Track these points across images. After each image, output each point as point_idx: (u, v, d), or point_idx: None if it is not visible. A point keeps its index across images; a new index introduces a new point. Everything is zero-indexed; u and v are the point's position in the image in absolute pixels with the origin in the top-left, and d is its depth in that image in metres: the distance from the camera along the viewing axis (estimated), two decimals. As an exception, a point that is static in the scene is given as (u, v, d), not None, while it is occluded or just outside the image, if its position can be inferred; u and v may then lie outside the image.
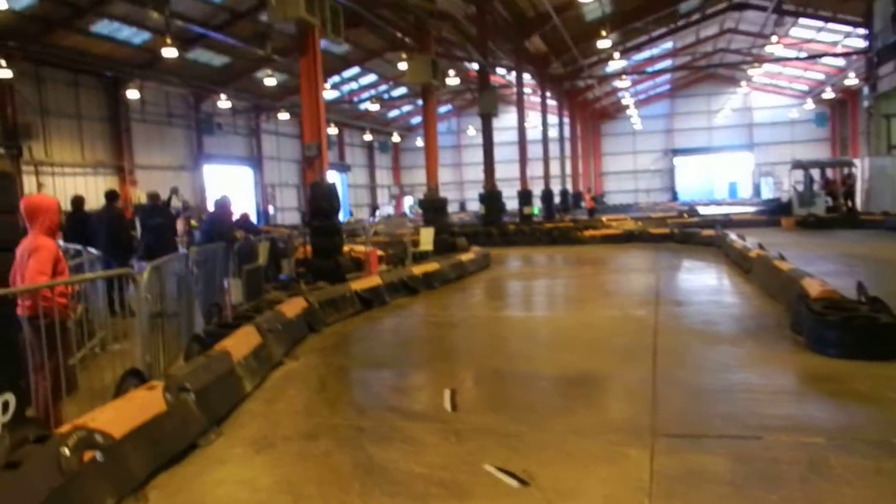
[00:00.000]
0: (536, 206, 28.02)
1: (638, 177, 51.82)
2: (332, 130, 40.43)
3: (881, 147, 21.56)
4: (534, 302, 10.71)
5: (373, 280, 10.08)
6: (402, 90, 38.24)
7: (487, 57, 20.92)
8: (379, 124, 46.48)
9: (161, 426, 4.03)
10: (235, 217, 11.78)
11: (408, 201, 49.36)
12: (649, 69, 39.20)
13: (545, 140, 31.16)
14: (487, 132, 21.31)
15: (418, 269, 11.30)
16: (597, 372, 5.66)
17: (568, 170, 36.88)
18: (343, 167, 42.76)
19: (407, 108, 45.78)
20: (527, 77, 29.91)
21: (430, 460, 3.88)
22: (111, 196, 10.27)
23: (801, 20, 29.24)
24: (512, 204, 26.64)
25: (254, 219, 28.54)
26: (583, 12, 25.63)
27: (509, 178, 29.17)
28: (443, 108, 47.86)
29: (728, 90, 47.63)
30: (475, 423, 4.55)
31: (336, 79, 33.25)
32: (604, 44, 27.45)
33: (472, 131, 45.68)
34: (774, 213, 22.10)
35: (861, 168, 21.56)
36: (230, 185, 31.80)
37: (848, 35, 29.40)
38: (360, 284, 9.68)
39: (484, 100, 20.96)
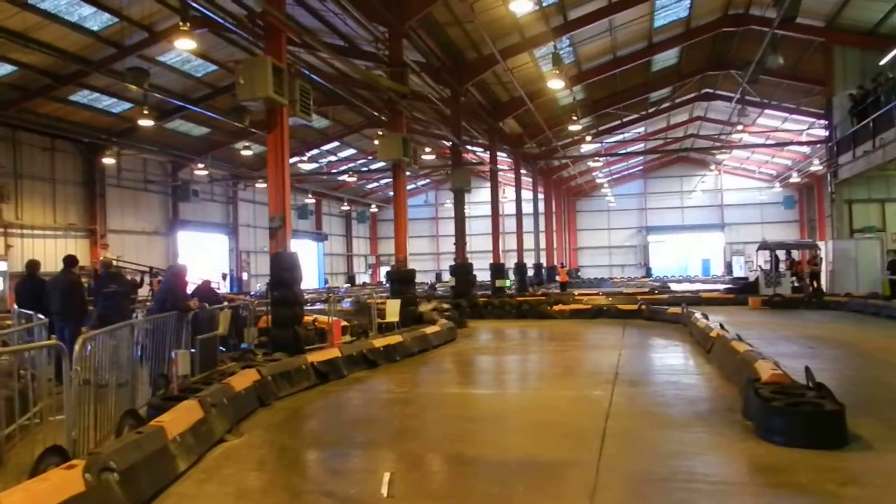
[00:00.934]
0: (509, 279, 28.12)
1: (612, 252, 52.62)
2: (310, 200, 40.81)
3: (844, 231, 22.22)
4: (492, 380, 10.58)
5: (331, 352, 9.92)
6: (380, 163, 38.94)
7: (461, 136, 21.48)
8: (357, 195, 47.04)
9: (75, 510, 3.82)
10: (195, 285, 11.66)
11: (384, 271, 49.43)
12: (622, 151, 40.31)
13: (519, 215, 31.67)
14: (459, 207, 21.67)
15: (379, 342, 11.17)
16: (543, 458, 5.55)
17: (542, 244, 37.32)
18: (320, 236, 42.93)
19: (386, 180, 46.47)
20: (503, 154, 30.63)
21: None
22: (69, 261, 10.12)
23: (767, 111, 30.59)
24: (485, 276, 26.74)
25: (227, 286, 28.53)
26: (555, 97, 26.57)
27: (483, 251, 29.40)
28: (421, 182, 48.76)
29: (699, 172, 49.21)
30: (408, 510, 4.39)
31: (315, 151, 33.79)
32: (576, 127, 28.41)
33: (449, 204, 46.28)
34: (742, 292, 22.40)
35: (826, 250, 22.11)
36: (205, 252, 31.70)
37: (811, 126, 30.77)
38: (317, 357, 9.52)
39: (456, 176, 21.41)
